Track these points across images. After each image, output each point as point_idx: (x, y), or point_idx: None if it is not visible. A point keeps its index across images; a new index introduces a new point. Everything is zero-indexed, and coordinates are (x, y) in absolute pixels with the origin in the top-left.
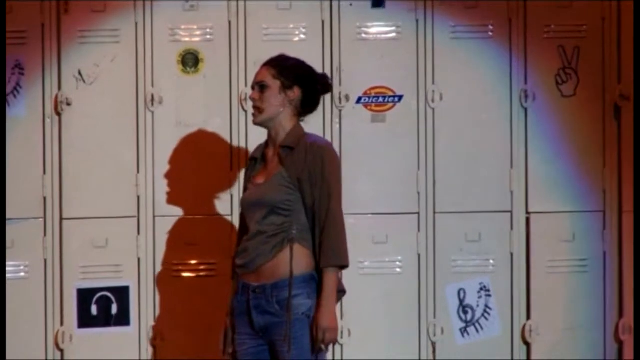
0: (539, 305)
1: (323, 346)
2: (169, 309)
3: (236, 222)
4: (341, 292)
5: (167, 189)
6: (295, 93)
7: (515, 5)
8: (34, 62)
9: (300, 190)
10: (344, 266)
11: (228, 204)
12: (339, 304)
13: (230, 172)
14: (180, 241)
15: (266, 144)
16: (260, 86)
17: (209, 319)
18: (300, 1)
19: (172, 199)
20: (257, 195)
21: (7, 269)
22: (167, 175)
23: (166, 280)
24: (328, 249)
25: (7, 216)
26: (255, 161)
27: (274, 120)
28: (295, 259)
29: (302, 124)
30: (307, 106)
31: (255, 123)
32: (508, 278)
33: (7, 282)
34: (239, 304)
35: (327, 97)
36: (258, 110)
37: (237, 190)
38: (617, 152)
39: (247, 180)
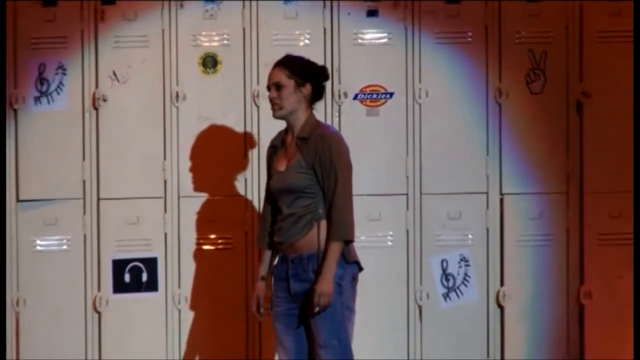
0: (511, 274)
1: (317, 308)
2: (191, 277)
3: (250, 202)
4: (358, 267)
5: (189, 173)
6: (308, 89)
7: (490, 15)
8: (75, 64)
9: (315, 175)
10: (349, 241)
11: (242, 186)
12: (360, 277)
13: (245, 158)
14: (201, 218)
15: (286, 132)
16: (276, 86)
17: (226, 286)
18: (305, 11)
19: (194, 182)
20: (282, 183)
21: (52, 242)
22: (190, 162)
23: (189, 252)
24: (332, 225)
25: (52, 197)
26: (275, 148)
27: (291, 114)
28: (323, 234)
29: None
30: (316, 97)
31: (275, 117)
32: (484, 250)
33: (52, 254)
34: (279, 272)
35: (328, 94)
36: (278, 106)
37: (251, 174)
38: (579, 141)
39: (270, 166)
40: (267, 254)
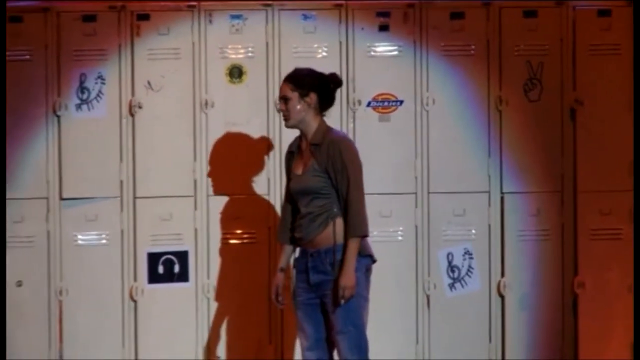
0: (511, 266)
1: (342, 300)
2: (219, 268)
3: (272, 200)
4: (372, 260)
5: (217, 174)
6: (312, 98)
7: (491, 29)
8: (113, 74)
9: (329, 177)
10: (364, 235)
11: (265, 186)
12: (373, 269)
13: (268, 160)
14: (228, 215)
15: (300, 138)
16: (284, 99)
17: (251, 276)
18: (323, 26)
19: (221, 182)
20: (299, 185)
21: (93, 237)
22: (218, 163)
23: (217, 246)
24: (349, 223)
25: (92, 195)
26: (292, 153)
27: (300, 122)
28: (339, 230)
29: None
30: (325, 104)
31: (286, 127)
32: (486, 244)
33: (92, 248)
34: (299, 265)
35: (344, 101)
36: (286, 117)
37: (273, 175)
38: (572, 145)
39: (288, 170)
40: (288, 248)
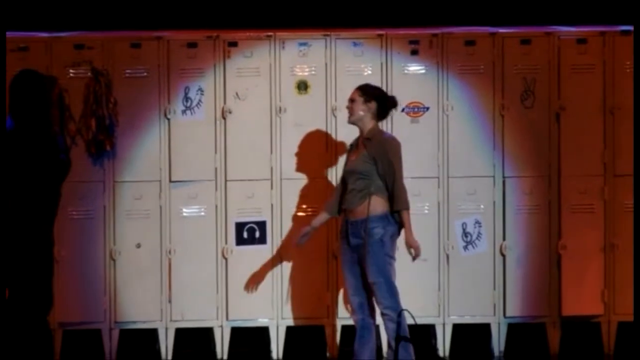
0: (510, 232)
1: (419, 257)
2: (290, 233)
3: (330, 181)
4: (398, 230)
5: (288, 162)
6: (372, 105)
7: (496, 53)
8: (210, 87)
9: (375, 164)
10: (408, 208)
11: (324, 171)
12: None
13: (326, 152)
14: (295, 193)
15: (358, 138)
16: (351, 100)
17: (313, 239)
18: (368, 51)
19: (291, 168)
20: (351, 167)
21: (194, 210)
22: (288, 154)
23: (288, 217)
24: (397, 201)
25: (194, 179)
26: (352, 147)
27: (359, 120)
28: (372, 205)
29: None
30: (380, 114)
31: (348, 122)
32: (492, 216)
33: (194, 218)
34: (342, 231)
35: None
36: (350, 113)
37: (329, 162)
38: (557, 141)
39: (347, 158)
40: (324, 214)
